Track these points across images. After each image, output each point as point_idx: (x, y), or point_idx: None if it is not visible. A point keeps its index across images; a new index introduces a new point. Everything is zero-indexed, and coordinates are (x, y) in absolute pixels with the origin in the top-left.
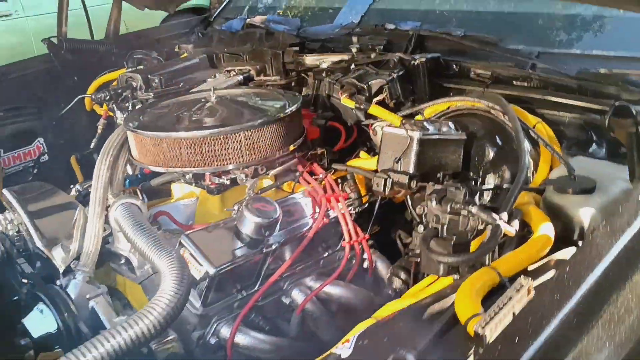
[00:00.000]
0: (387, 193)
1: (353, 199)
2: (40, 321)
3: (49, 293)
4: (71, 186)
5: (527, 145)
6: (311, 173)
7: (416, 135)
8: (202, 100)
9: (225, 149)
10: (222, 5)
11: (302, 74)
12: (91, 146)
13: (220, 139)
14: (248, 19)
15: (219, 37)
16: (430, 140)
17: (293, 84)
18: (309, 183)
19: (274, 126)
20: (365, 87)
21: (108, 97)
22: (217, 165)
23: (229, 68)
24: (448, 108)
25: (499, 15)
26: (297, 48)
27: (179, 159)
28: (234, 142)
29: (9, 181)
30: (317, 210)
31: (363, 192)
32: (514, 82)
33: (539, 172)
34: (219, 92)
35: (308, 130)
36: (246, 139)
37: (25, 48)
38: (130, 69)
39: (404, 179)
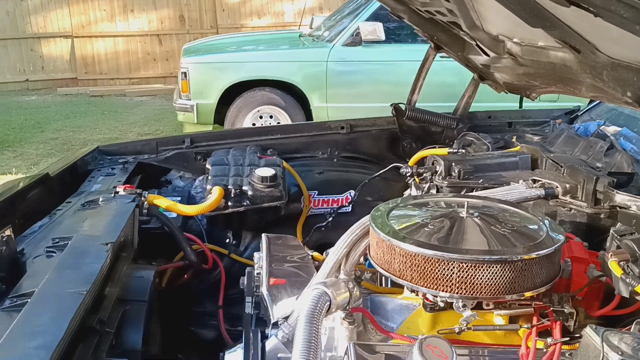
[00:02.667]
0: None
1: None
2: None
3: (248, 337)
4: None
5: None
6: (547, 332)
7: (614, 358)
8: (453, 210)
9: (435, 273)
10: (593, 105)
11: (618, 208)
12: None
13: (431, 260)
14: (602, 126)
15: (565, 137)
16: None
17: (602, 216)
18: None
19: (497, 267)
20: None
21: (409, 173)
22: (425, 286)
23: (536, 178)
24: None
25: None
26: (612, 179)
27: (392, 266)
28: (445, 269)
29: (307, 221)
30: None
31: None
32: None
33: None
34: (478, 203)
35: (574, 278)
36: (459, 271)
37: (457, 89)
38: (453, 150)
39: None
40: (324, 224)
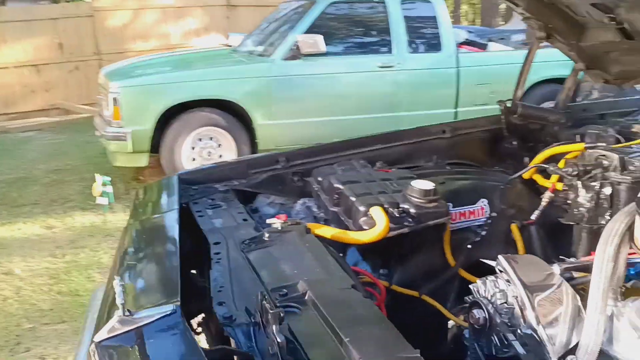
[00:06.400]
0: None
1: None
2: None
3: None
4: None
5: None
6: None
7: None
8: None
9: None
10: None
11: None
12: (532, 217)
13: None
14: None
15: None
16: None
17: None
18: None
19: None
20: None
21: (575, 172)
22: None
23: None
24: None
25: None
26: None
27: None
28: None
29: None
30: None
31: None
32: None
33: None
34: None
35: None
36: None
37: (394, 98)
38: (590, 144)
39: None
40: (477, 239)
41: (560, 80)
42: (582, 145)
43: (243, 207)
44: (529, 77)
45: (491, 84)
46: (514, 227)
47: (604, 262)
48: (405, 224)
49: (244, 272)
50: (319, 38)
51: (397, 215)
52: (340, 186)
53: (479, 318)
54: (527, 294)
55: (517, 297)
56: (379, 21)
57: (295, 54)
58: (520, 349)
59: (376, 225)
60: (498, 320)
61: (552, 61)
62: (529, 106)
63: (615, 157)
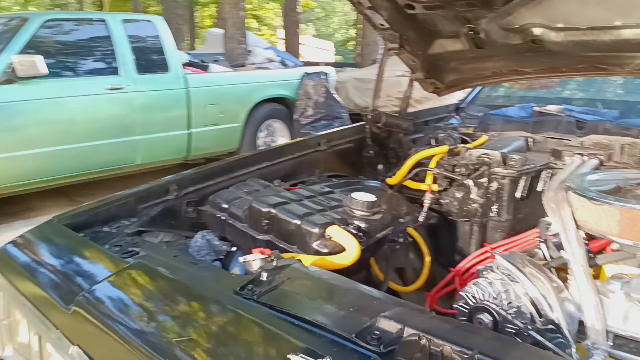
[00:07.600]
0: None
1: None
2: None
3: None
4: None
5: None
6: None
7: None
8: None
9: None
10: (475, 93)
11: None
12: (420, 219)
13: None
14: (537, 107)
15: (503, 122)
16: None
17: None
18: None
19: None
20: None
21: (467, 172)
22: None
23: (579, 152)
24: None
25: None
26: None
27: None
28: None
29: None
30: None
31: None
32: None
33: None
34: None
35: None
36: None
37: (127, 121)
38: (452, 146)
39: None
40: (398, 246)
41: (277, 100)
42: (446, 148)
43: (170, 249)
44: (250, 98)
45: (220, 104)
46: (412, 230)
47: (574, 247)
48: (359, 240)
49: (285, 325)
50: (38, 59)
51: (354, 232)
52: (272, 210)
53: (488, 323)
54: (539, 288)
55: (527, 293)
56: (102, 41)
57: (11, 77)
58: (548, 343)
59: (344, 245)
60: (511, 319)
61: (270, 82)
62: (389, 115)
63: (497, 154)
